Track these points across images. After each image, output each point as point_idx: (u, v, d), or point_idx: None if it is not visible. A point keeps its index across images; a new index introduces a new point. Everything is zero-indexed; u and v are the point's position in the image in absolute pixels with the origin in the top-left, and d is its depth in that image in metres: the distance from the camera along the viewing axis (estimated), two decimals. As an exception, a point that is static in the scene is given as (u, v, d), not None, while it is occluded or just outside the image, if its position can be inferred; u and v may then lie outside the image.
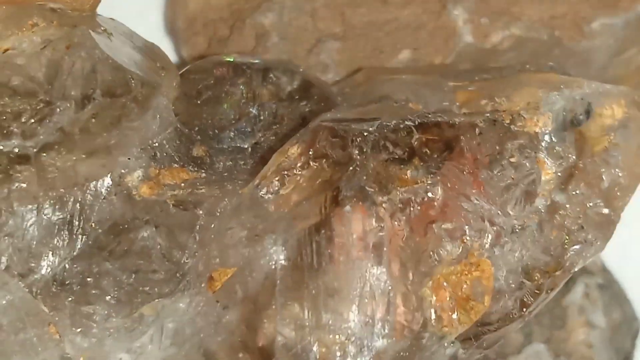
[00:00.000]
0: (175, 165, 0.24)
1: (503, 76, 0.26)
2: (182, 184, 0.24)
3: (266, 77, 0.25)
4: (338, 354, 0.22)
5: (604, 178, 0.24)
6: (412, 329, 0.23)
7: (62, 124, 0.22)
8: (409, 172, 0.23)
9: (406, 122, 0.23)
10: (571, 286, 0.30)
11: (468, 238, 0.23)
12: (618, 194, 0.24)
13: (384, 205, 0.22)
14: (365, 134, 0.23)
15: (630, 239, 0.30)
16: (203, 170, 0.24)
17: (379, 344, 0.22)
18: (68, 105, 0.22)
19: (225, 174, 0.24)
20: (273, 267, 0.23)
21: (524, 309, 0.23)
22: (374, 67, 0.27)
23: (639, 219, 0.30)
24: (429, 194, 0.23)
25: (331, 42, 0.30)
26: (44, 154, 0.22)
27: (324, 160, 0.23)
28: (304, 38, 0.30)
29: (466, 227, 0.23)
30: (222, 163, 0.25)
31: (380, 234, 0.22)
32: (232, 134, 0.25)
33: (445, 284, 0.23)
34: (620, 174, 0.24)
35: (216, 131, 0.25)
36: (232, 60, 0.26)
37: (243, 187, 0.23)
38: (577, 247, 0.24)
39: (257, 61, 0.26)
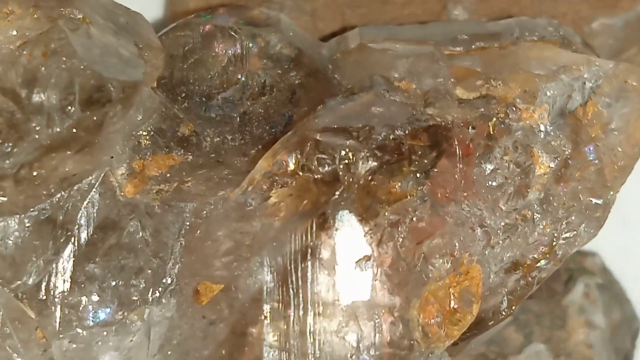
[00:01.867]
0: (161, 152, 0.24)
1: (500, 46, 0.25)
2: (168, 175, 0.23)
3: (255, 39, 0.25)
4: None
5: (597, 165, 0.24)
6: (399, 354, 0.23)
7: (40, 142, 0.22)
8: (398, 184, 0.23)
9: (397, 131, 0.23)
10: (571, 286, 0.30)
11: (457, 251, 0.23)
12: (612, 180, 0.24)
13: (370, 234, 0.22)
14: (352, 151, 0.23)
15: (630, 239, 0.30)
16: (189, 153, 0.24)
17: None
18: (45, 121, 0.22)
19: (212, 155, 0.24)
20: (260, 286, 0.23)
21: (515, 306, 0.24)
22: (368, 27, 0.27)
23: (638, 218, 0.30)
24: (417, 212, 0.23)
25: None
26: (23, 170, 0.22)
27: (311, 175, 0.23)
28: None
29: (455, 240, 0.23)
30: (209, 139, 0.24)
31: (368, 263, 0.23)
32: (220, 102, 0.25)
33: (432, 299, 0.23)
34: (615, 158, 0.24)
35: (203, 99, 0.25)
36: (216, 17, 0.26)
37: (232, 185, 0.23)
38: (568, 235, 0.24)
39: (243, 21, 0.25)
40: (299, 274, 0.23)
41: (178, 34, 0.25)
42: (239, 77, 0.24)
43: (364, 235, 0.22)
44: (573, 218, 0.24)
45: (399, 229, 0.23)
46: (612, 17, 0.30)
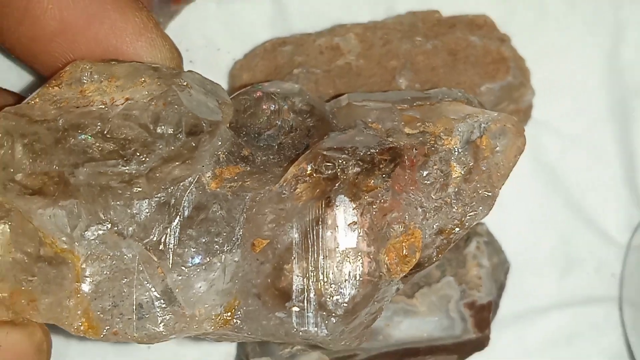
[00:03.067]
0: (231, 164, 0.27)
1: (431, 103, 0.29)
2: (236, 177, 0.27)
3: (286, 100, 0.29)
4: (328, 296, 0.26)
5: (488, 172, 0.28)
6: (373, 280, 0.26)
7: (161, 154, 0.26)
8: (372, 181, 0.27)
9: (371, 150, 0.27)
10: (468, 242, 0.38)
11: (407, 220, 0.27)
12: (497, 181, 0.28)
13: (356, 209, 0.26)
14: (345, 161, 0.27)
15: (503, 215, 0.37)
16: (248, 166, 0.27)
17: (353, 291, 0.26)
18: (165, 143, 0.26)
19: (262, 167, 0.28)
20: (290, 240, 0.26)
21: (440, 255, 0.28)
22: (353, 93, 0.31)
23: (509, 203, 0.37)
24: (383, 197, 0.27)
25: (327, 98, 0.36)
26: (151, 172, 0.26)
27: (321, 175, 0.27)
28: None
29: (406, 214, 0.27)
30: (259, 158, 0.28)
31: (355, 226, 0.26)
32: (266, 137, 0.28)
33: (393, 249, 0.27)
34: (498, 169, 0.28)
35: (256, 135, 0.28)
36: (264, 88, 0.29)
37: (274, 183, 0.27)
38: (472, 214, 0.28)
39: (279, 90, 0.29)
40: (314, 233, 0.26)
41: (240, 97, 0.29)
42: (277, 122, 0.28)
43: (352, 210, 0.26)
44: (474, 204, 0.28)
45: (373, 206, 0.27)
46: (493, 83, 0.38)
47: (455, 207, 0.27)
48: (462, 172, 0.27)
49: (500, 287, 0.39)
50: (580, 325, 0.42)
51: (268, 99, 0.28)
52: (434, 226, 0.27)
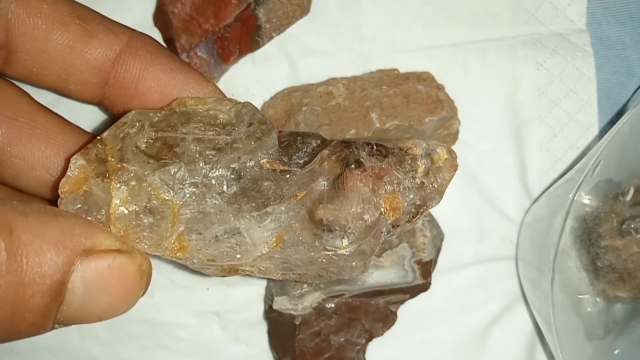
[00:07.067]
0: (277, 161, 0.29)
1: (397, 139, 0.32)
2: (280, 166, 0.29)
3: (307, 137, 0.31)
4: (344, 227, 0.28)
5: (440, 176, 0.30)
6: (376, 215, 0.29)
7: (240, 134, 0.28)
8: (373, 160, 0.29)
9: (371, 145, 0.30)
10: (417, 220, 0.32)
11: (394, 185, 0.29)
12: (442, 185, 0.30)
13: (364, 172, 0.28)
14: (355, 145, 0.29)
15: (440, 202, 0.33)
16: (287, 166, 0.29)
17: (366, 218, 0.28)
18: (244, 126, 0.28)
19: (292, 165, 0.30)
20: (321, 189, 0.28)
21: (411, 221, 0.30)
22: (341, 139, 0.32)
23: (444, 195, 0.33)
24: (382, 170, 0.29)
25: (324, 127, 0.41)
26: (233, 142, 0.27)
27: (340, 155, 0.29)
28: (314, 124, 0.41)
29: (394, 180, 0.29)
30: (293, 166, 0.30)
31: (365, 181, 0.28)
32: (295, 159, 0.30)
33: (386, 200, 0.29)
34: (444, 176, 0.31)
35: (289, 157, 0.30)
36: (295, 130, 0.33)
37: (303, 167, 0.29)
38: (431, 199, 0.30)
39: (301, 132, 0.31)
40: (338, 182, 0.29)
41: (281, 137, 0.31)
42: (302, 150, 0.31)
43: (362, 166, 0.29)
44: (432, 193, 0.30)
45: (374, 169, 0.29)
46: (433, 116, 0.42)
47: (422, 193, 0.30)
48: (423, 169, 0.30)
49: (438, 250, 0.45)
50: (490, 275, 0.48)
51: (295, 138, 0.32)
52: (410, 198, 0.30)
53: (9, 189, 0.33)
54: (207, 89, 0.31)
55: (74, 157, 0.27)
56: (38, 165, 0.31)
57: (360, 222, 0.28)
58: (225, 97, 0.31)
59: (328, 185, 0.29)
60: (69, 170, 0.27)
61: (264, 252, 0.28)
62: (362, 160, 0.29)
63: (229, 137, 0.28)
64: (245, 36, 0.41)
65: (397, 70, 0.44)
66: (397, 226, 0.30)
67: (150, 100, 0.30)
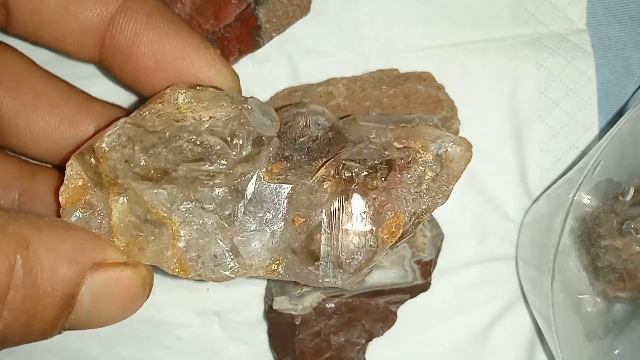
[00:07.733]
0: (277, 162, 0.29)
1: (412, 126, 0.31)
2: (281, 172, 0.29)
3: (313, 117, 0.30)
4: (344, 260, 0.28)
5: (447, 176, 0.29)
6: (373, 249, 0.28)
7: (235, 159, 0.27)
8: (375, 181, 0.28)
9: (374, 160, 0.28)
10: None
11: (396, 209, 0.29)
12: (452, 181, 0.30)
13: (365, 201, 0.28)
14: (358, 168, 0.28)
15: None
16: (289, 163, 0.29)
17: (360, 257, 0.28)
18: (237, 151, 0.27)
19: (297, 164, 0.29)
20: (319, 220, 0.28)
21: (413, 229, 0.29)
22: (359, 115, 0.33)
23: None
24: (382, 193, 0.28)
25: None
26: (228, 170, 0.27)
27: (341, 177, 0.28)
28: None
29: (395, 204, 0.28)
30: (295, 157, 0.29)
31: (364, 214, 0.28)
32: (299, 142, 0.30)
33: (386, 228, 0.28)
34: (454, 173, 0.30)
35: (293, 141, 0.30)
36: (298, 108, 0.31)
37: (307, 178, 0.28)
38: (435, 202, 0.30)
39: (309, 110, 0.30)
40: (336, 217, 0.28)
41: (283, 113, 0.31)
42: (307, 133, 0.30)
43: (363, 203, 0.28)
44: (438, 196, 0.30)
45: (375, 200, 0.28)
46: (435, 115, 0.42)
47: (426, 198, 0.29)
48: (432, 176, 0.30)
49: (438, 250, 0.45)
50: (490, 275, 0.48)
51: (301, 116, 0.31)
52: (412, 211, 0.29)
53: (17, 160, 0.34)
54: (206, 55, 0.30)
55: (69, 162, 0.28)
56: (44, 135, 0.32)
57: (358, 260, 0.28)
58: (226, 94, 0.29)
59: (327, 217, 0.28)
60: (65, 177, 0.28)
61: (260, 274, 0.29)
62: (364, 188, 0.28)
63: (223, 166, 0.27)
64: (245, 36, 0.41)
65: (397, 70, 0.43)
66: (398, 241, 0.30)
67: (144, 68, 0.30)
